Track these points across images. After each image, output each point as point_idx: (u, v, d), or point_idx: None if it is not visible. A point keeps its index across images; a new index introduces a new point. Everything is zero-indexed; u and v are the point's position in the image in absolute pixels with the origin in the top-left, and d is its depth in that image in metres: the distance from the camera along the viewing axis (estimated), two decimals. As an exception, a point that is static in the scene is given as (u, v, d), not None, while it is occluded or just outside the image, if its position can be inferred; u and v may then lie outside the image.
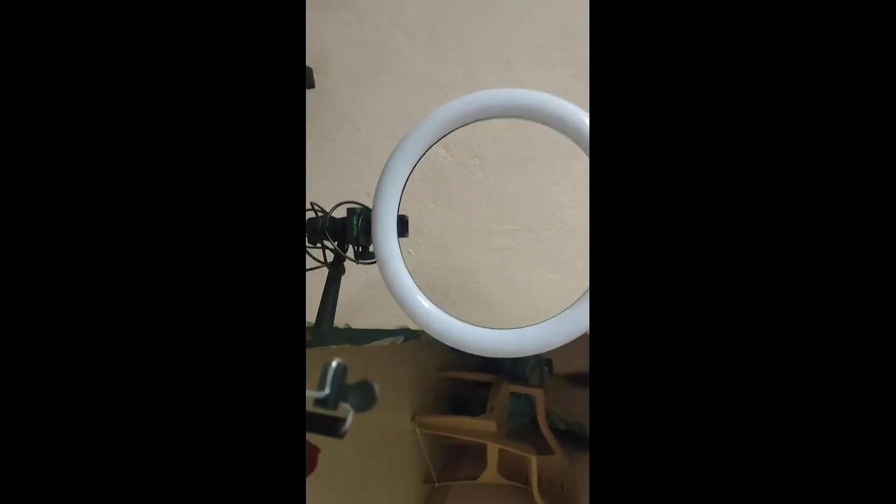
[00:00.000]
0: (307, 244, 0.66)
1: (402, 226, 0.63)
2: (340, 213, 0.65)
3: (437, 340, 0.60)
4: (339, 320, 1.07)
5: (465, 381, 3.06)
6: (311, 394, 0.32)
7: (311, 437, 0.34)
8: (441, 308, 0.58)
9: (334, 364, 0.33)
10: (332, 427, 0.33)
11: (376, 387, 0.33)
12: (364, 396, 0.33)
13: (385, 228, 0.60)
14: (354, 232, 0.64)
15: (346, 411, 0.33)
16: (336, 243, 0.65)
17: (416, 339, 1.59)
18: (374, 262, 0.65)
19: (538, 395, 2.82)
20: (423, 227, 0.98)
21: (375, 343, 1.51)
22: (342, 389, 0.33)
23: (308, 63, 0.98)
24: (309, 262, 0.66)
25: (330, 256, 0.66)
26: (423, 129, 0.64)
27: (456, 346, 0.58)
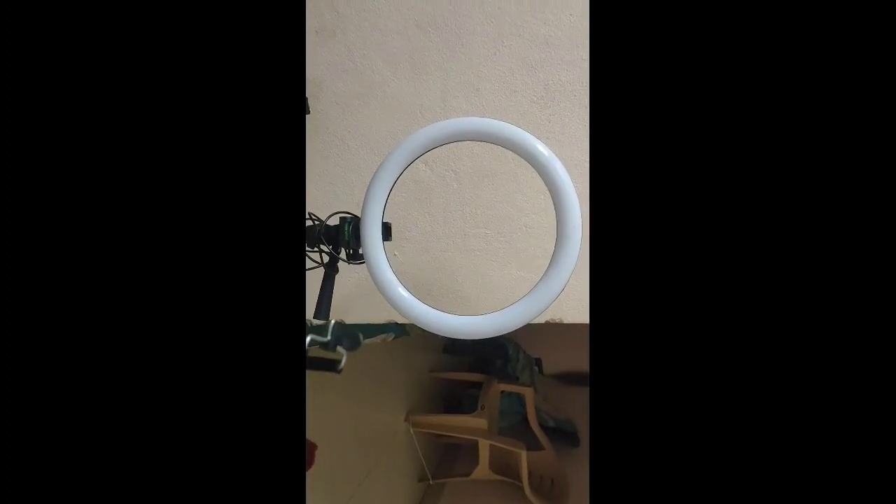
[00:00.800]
0: (306, 248, 0.77)
1: (387, 231, 0.74)
2: (334, 221, 0.76)
3: (428, 341, 0.69)
4: (334, 316, 1.17)
5: (456, 381, 3.06)
6: (317, 338, 0.43)
7: (314, 375, 0.43)
8: (417, 298, 0.70)
9: (333, 321, 0.45)
10: (332, 365, 0.45)
11: (361, 335, 0.45)
12: (353, 341, 0.45)
13: (372, 233, 0.72)
14: (346, 237, 0.75)
15: (341, 354, 0.45)
16: (331, 247, 0.76)
17: (405, 335, 1.69)
18: (363, 262, 0.77)
19: (528, 393, 2.87)
20: (407, 232, 1.08)
21: (368, 341, 1.60)
22: (338, 338, 0.45)
23: (316, 112, 1.09)
24: (308, 264, 0.77)
25: (326, 259, 0.78)
26: (403, 149, 0.75)
27: (429, 330, 0.69)
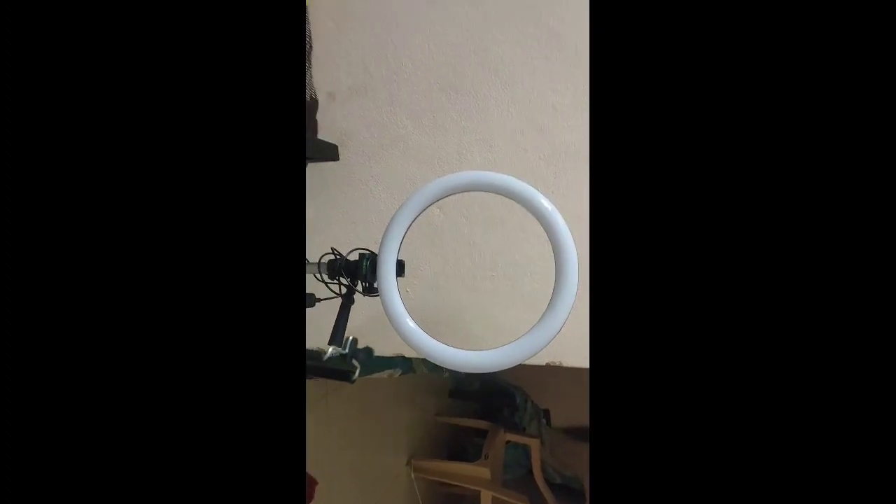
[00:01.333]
0: (327, 279, 0.85)
1: (400, 268, 0.81)
2: (354, 256, 0.83)
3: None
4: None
5: (461, 427, 3.03)
6: (336, 350, 0.50)
7: (324, 383, 0.49)
8: (423, 330, 0.76)
9: (350, 337, 0.51)
10: (346, 376, 0.51)
11: (374, 349, 0.51)
12: (367, 354, 0.51)
13: (387, 269, 0.79)
14: (364, 271, 0.82)
15: (356, 367, 0.52)
16: (349, 280, 0.83)
17: (412, 372, 1.72)
18: (377, 295, 0.84)
19: (534, 445, 2.80)
20: (419, 271, 1.16)
21: (376, 375, 1.64)
22: (354, 351, 0.51)
23: (335, 140, 1.21)
24: (327, 293, 0.85)
25: (343, 290, 0.85)
26: (421, 194, 0.83)
27: (433, 361, 0.74)
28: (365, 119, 1.22)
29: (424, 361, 1.75)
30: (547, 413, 3.34)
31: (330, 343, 0.85)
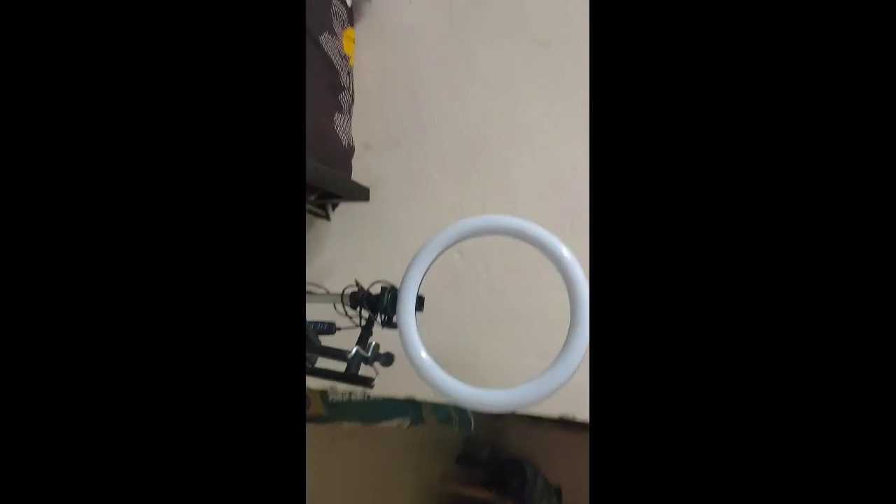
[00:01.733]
0: (349, 310, 0.87)
1: (419, 302, 0.83)
2: (376, 290, 0.86)
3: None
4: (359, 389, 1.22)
5: (467, 496, 2.88)
6: (361, 352, 0.51)
7: (330, 430, 0.49)
8: (436, 363, 0.76)
9: (374, 342, 0.53)
10: (367, 382, 0.52)
11: (394, 354, 0.52)
12: (388, 359, 0.52)
13: (407, 302, 0.81)
14: (384, 303, 0.84)
15: (376, 373, 0.53)
16: (370, 311, 0.85)
17: (421, 423, 1.67)
18: (395, 328, 0.86)
19: None
20: (437, 314, 1.17)
21: (384, 423, 1.59)
22: (377, 355, 0.53)
23: (367, 184, 1.30)
24: (346, 323, 0.87)
25: (364, 322, 0.87)
26: (444, 235, 0.87)
27: (442, 394, 0.74)
28: (396, 167, 1.31)
29: (435, 410, 1.71)
30: (559, 491, 3.13)
31: (346, 371, 0.86)
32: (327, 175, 1.11)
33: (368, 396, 1.45)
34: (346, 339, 0.79)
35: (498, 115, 1.25)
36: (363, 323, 0.87)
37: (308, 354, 0.67)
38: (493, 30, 1.30)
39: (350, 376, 0.55)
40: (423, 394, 1.14)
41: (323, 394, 1.51)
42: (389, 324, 0.87)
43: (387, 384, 1.14)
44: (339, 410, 1.49)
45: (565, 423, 1.04)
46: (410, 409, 1.56)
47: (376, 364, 0.55)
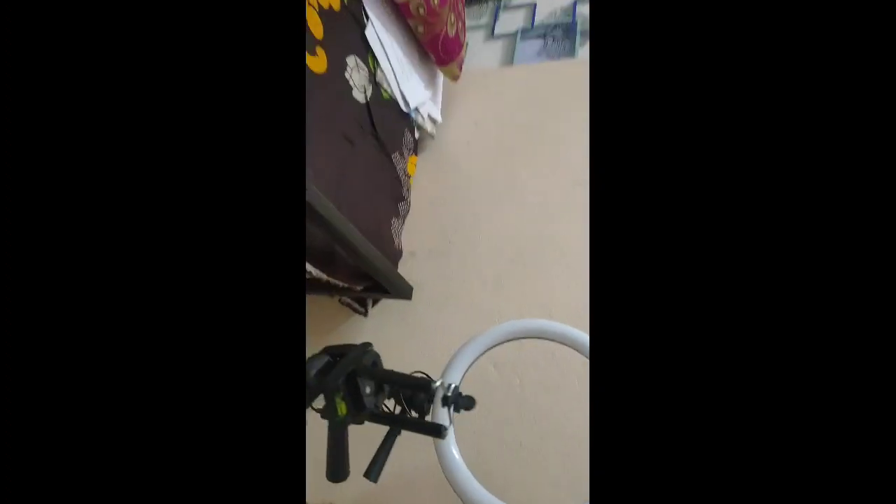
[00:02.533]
0: (384, 400, 0.84)
1: (470, 401, 0.79)
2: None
3: None
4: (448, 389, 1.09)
5: None
6: (444, 384, 0.47)
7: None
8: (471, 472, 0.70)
9: (453, 385, 0.50)
10: (437, 430, 0.48)
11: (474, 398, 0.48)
12: (469, 402, 0.48)
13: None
14: (421, 398, 0.81)
15: (449, 421, 0.48)
16: (405, 403, 0.82)
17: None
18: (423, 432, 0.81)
19: None
20: (465, 426, 1.10)
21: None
22: (457, 396, 0.48)
23: (411, 304, 1.35)
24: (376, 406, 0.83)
25: (396, 411, 0.82)
26: (481, 338, 0.88)
27: (463, 496, 0.66)
28: (437, 274, 1.38)
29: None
30: None
31: (366, 474, 0.79)
32: (388, 270, 1.17)
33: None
34: (372, 433, 0.75)
35: (536, 234, 1.35)
36: (395, 414, 0.83)
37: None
38: (536, 168, 1.48)
39: (418, 425, 0.51)
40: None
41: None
42: (421, 424, 0.83)
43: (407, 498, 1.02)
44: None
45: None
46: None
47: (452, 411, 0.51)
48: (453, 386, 0.53)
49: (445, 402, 0.53)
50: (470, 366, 0.83)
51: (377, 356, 0.62)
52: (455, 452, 0.73)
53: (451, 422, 0.53)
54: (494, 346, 0.86)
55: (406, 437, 0.69)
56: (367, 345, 0.66)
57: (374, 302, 1.36)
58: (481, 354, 0.86)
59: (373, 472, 0.79)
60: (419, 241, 1.46)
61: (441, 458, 0.72)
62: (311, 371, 0.55)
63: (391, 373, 0.62)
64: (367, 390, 0.56)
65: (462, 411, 0.54)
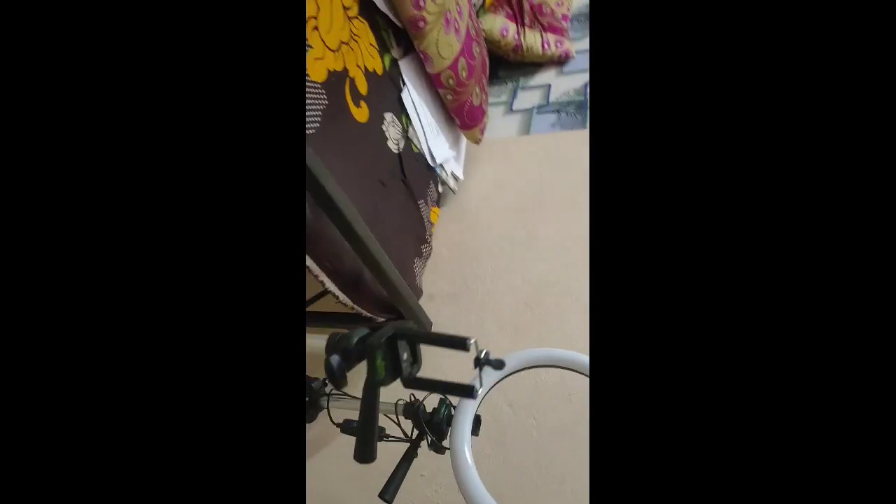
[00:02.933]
0: (399, 420, 0.84)
1: (476, 423, 0.81)
2: (433, 403, 0.85)
3: None
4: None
5: None
6: (473, 345, 0.49)
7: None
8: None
9: (484, 350, 0.52)
10: (469, 391, 0.50)
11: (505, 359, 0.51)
12: (499, 366, 0.50)
13: (463, 424, 0.79)
14: (440, 417, 0.82)
15: (479, 384, 0.50)
16: (423, 427, 0.82)
17: None
18: (443, 451, 0.81)
19: None
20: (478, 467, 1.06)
21: None
22: (487, 359, 0.51)
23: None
24: (397, 431, 0.83)
25: (413, 435, 0.83)
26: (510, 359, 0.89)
27: None
28: (455, 317, 1.41)
29: None
30: None
31: (380, 495, 0.78)
32: (412, 301, 1.21)
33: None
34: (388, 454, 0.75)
35: (553, 279, 1.39)
36: (413, 437, 0.83)
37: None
38: (553, 217, 1.56)
39: (447, 386, 0.53)
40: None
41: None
42: (438, 446, 0.83)
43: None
44: None
45: None
46: None
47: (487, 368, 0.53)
48: (485, 351, 0.56)
49: (477, 363, 0.56)
50: (486, 394, 0.84)
51: (415, 326, 0.67)
52: (468, 455, 0.73)
53: (480, 384, 0.56)
54: (511, 374, 0.88)
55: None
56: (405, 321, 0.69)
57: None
58: (499, 381, 0.87)
59: (388, 491, 0.78)
60: (438, 285, 1.51)
61: (454, 456, 0.72)
62: (353, 339, 0.58)
63: (430, 333, 0.65)
64: (405, 356, 0.59)
65: (489, 370, 0.56)
